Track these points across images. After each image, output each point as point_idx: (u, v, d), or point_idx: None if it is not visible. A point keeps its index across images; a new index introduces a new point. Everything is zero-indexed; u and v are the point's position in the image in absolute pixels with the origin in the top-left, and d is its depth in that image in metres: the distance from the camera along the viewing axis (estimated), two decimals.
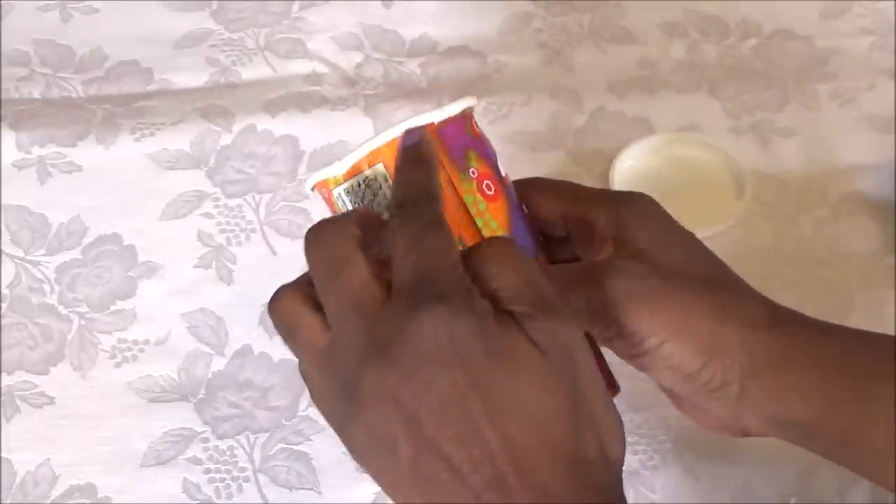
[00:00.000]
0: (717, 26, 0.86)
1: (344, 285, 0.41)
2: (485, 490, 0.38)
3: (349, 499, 0.61)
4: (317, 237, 0.43)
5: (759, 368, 0.46)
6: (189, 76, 0.81)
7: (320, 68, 0.82)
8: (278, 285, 0.68)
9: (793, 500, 0.61)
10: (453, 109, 0.47)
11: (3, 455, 0.62)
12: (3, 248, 0.71)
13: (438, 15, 0.86)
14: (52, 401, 0.65)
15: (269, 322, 0.67)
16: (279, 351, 0.66)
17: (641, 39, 0.84)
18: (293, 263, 0.70)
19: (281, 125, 0.78)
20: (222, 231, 0.72)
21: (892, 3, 0.87)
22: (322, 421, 0.63)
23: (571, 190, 0.51)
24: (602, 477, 0.39)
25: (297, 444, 0.62)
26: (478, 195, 0.47)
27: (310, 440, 0.63)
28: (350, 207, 0.47)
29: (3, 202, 0.73)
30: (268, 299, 0.68)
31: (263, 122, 0.78)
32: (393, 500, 0.41)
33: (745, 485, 0.61)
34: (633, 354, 0.47)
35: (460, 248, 0.45)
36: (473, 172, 0.47)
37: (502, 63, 0.83)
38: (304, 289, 0.43)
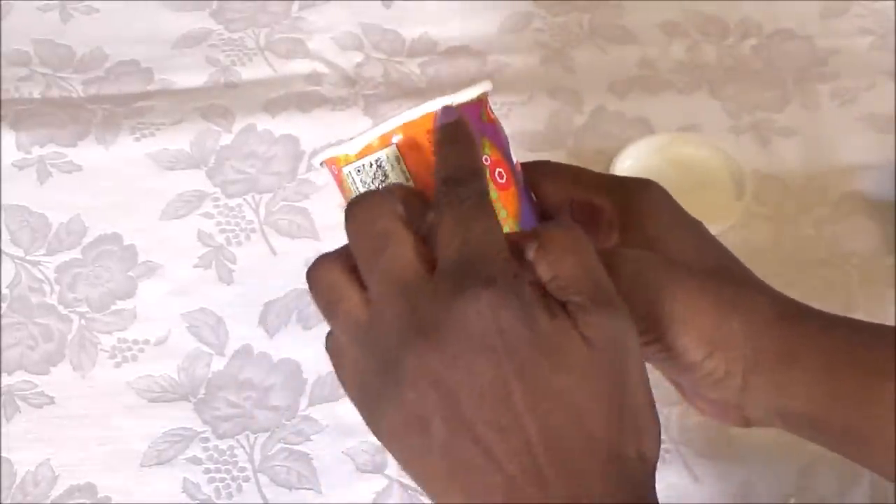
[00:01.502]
0: (718, 26, 0.86)
1: (388, 262, 0.40)
2: (520, 478, 0.37)
3: (349, 498, 0.61)
4: (359, 211, 0.42)
5: (763, 361, 0.46)
6: (189, 76, 0.81)
7: (320, 68, 0.82)
8: (278, 284, 0.69)
9: (792, 500, 0.61)
10: (469, 94, 0.47)
11: (3, 455, 0.62)
12: (3, 247, 0.71)
13: (438, 15, 0.86)
14: (52, 401, 0.65)
15: (269, 322, 0.67)
16: (279, 351, 0.66)
17: (641, 39, 0.84)
18: (293, 263, 0.71)
19: (281, 125, 0.78)
20: (222, 231, 0.72)
21: (892, 3, 0.86)
22: (323, 421, 0.63)
23: (579, 175, 0.50)
24: (638, 476, 0.39)
25: (297, 444, 0.62)
26: (490, 183, 0.47)
27: (310, 440, 0.63)
28: (359, 187, 0.47)
29: (3, 202, 0.73)
30: (268, 299, 0.68)
31: (263, 122, 0.78)
32: (419, 483, 0.40)
33: (744, 484, 0.61)
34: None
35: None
36: (486, 160, 0.47)
37: (502, 63, 0.83)
38: (346, 259, 0.42)
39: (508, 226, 0.47)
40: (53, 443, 0.63)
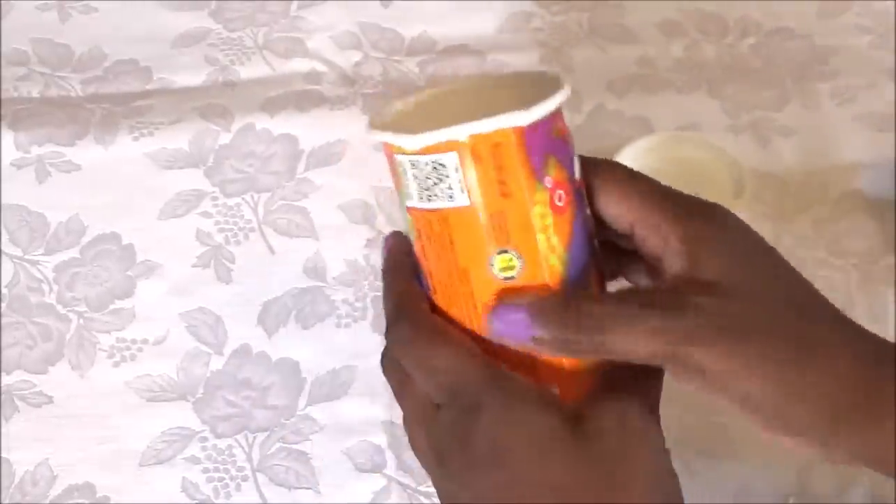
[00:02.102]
0: (717, 25, 0.86)
1: (405, 403, 0.47)
2: None
3: (348, 498, 0.61)
4: (385, 366, 0.48)
5: (843, 411, 0.43)
6: (188, 75, 0.81)
7: (319, 67, 0.82)
8: (277, 284, 0.69)
9: (791, 500, 0.61)
10: (545, 109, 0.44)
11: (2, 455, 0.62)
12: (1, 247, 0.71)
13: (437, 13, 0.86)
14: (50, 400, 0.64)
15: (268, 321, 0.68)
16: (278, 350, 0.66)
17: (640, 38, 0.84)
18: (291, 262, 0.71)
19: (279, 124, 0.78)
20: (221, 230, 0.72)
21: (892, 2, 0.86)
22: (321, 420, 0.63)
23: (642, 191, 0.47)
24: None
25: (295, 444, 0.62)
26: (546, 207, 0.44)
27: (308, 439, 0.63)
28: (410, 181, 0.45)
29: (2, 201, 0.73)
30: (267, 298, 0.68)
31: (262, 122, 0.78)
32: None
33: (744, 484, 0.61)
34: (705, 390, 0.44)
35: (517, 262, 0.45)
36: (549, 182, 0.44)
37: (501, 62, 0.83)
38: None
39: (557, 255, 0.45)
40: (52, 442, 0.63)
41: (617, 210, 0.47)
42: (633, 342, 0.42)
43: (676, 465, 0.61)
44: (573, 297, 0.44)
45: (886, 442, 0.43)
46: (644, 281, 0.49)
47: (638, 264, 0.49)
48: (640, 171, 0.70)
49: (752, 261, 0.46)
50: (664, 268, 0.46)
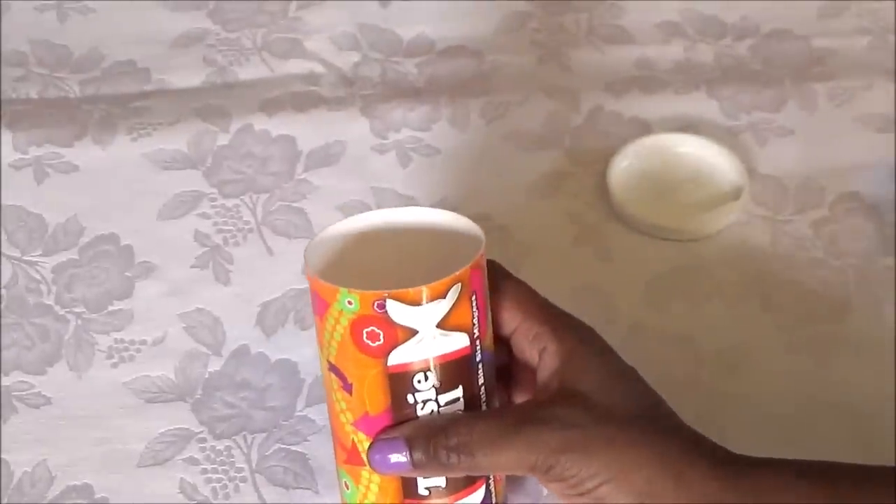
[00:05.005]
0: (715, 26, 0.86)
1: None
2: None
3: None
4: None
5: None
6: (186, 76, 0.81)
7: (317, 68, 0.82)
8: (275, 285, 0.69)
9: None
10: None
11: (0, 456, 0.62)
12: (0, 248, 0.71)
13: (435, 14, 0.86)
14: (48, 401, 0.64)
15: (267, 322, 0.68)
16: (276, 351, 0.66)
17: (639, 39, 0.84)
18: (290, 263, 0.71)
19: (278, 125, 0.78)
20: (219, 231, 0.72)
21: (891, 2, 0.87)
22: (320, 421, 0.63)
23: (524, 300, 0.53)
24: None
25: (294, 445, 0.62)
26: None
27: (307, 440, 0.63)
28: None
29: (0, 203, 0.73)
30: (265, 299, 0.68)
31: (260, 122, 0.78)
32: None
33: None
34: (570, 495, 0.49)
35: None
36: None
37: (499, 63, 0.83)
38: None
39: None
40: (50, 443, 0.63)
41: (506, 316, 0.53)
42: (503, 459, 0.49)
43: None
44: (445, 422, 0.50)
45: None
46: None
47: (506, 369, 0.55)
48: (639, 173, 0.72)
49: (614, 379, 0.52)
50: (537, 374, 0.52)
